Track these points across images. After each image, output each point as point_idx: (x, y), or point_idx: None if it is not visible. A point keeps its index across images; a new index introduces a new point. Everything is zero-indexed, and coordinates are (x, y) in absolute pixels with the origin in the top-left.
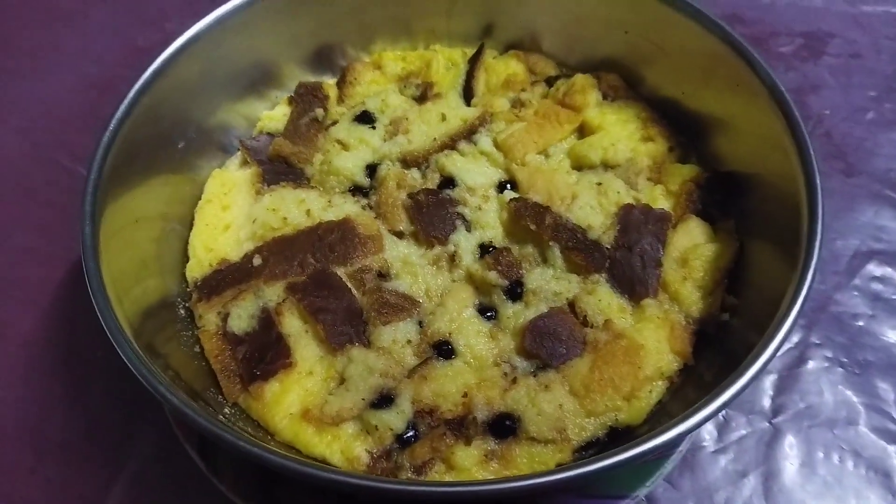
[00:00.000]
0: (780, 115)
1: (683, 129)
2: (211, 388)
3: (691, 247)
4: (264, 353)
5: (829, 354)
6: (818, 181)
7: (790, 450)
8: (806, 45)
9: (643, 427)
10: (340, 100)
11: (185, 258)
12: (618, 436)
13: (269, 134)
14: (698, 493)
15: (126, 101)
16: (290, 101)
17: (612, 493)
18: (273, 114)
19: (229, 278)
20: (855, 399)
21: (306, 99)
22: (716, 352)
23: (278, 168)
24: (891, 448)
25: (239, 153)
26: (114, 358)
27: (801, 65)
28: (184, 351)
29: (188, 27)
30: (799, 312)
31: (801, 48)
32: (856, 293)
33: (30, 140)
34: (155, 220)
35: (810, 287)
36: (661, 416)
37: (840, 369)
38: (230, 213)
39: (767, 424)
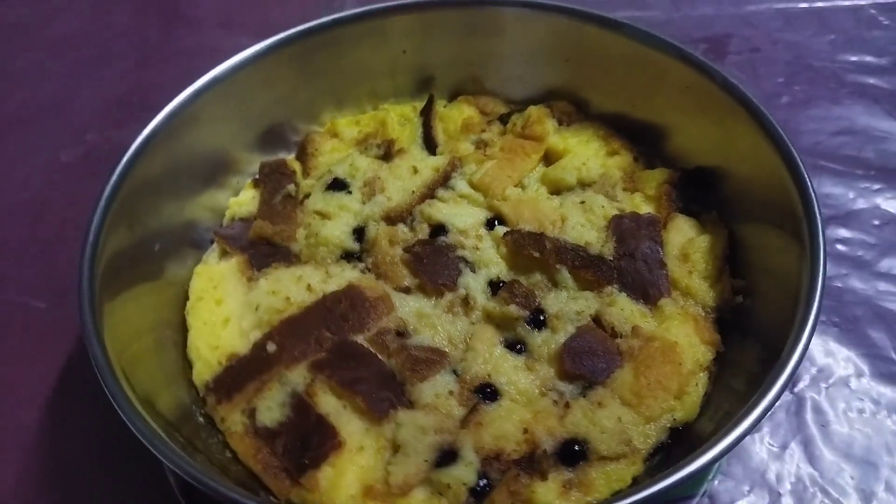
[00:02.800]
0: (739, 103)
1: (640, 139)
2: (257, 491)
3: (686, 242)
4: (307, 439)
5: (822, 318)
6: (796, 155)
7: (818, 413)
8: (710, 48)
9: (701, 420)
10: (306, 173)
11: (186, 364)
12: (678, 434)
13: (241, 220)
14: (751, 476)
15: (101, 205)
16: (256, 183)
17: (679, 495)
18: (240, 199)
19: (247, 372)
20: (854, 353)
21: (273, 177)
22: (740, 334)
23: (263, 251)
24: None
25: (215, 245)
26: None
27: None
28: (216, 458)
29: (109, 137)
30: (822, 292)
31: (707, 52)
32: None
33: None
34: (147, 332)
35: (825, 260)
36: (710, 406)
37: (835, 328)
38: (225, 307)
39: (790, 395)
